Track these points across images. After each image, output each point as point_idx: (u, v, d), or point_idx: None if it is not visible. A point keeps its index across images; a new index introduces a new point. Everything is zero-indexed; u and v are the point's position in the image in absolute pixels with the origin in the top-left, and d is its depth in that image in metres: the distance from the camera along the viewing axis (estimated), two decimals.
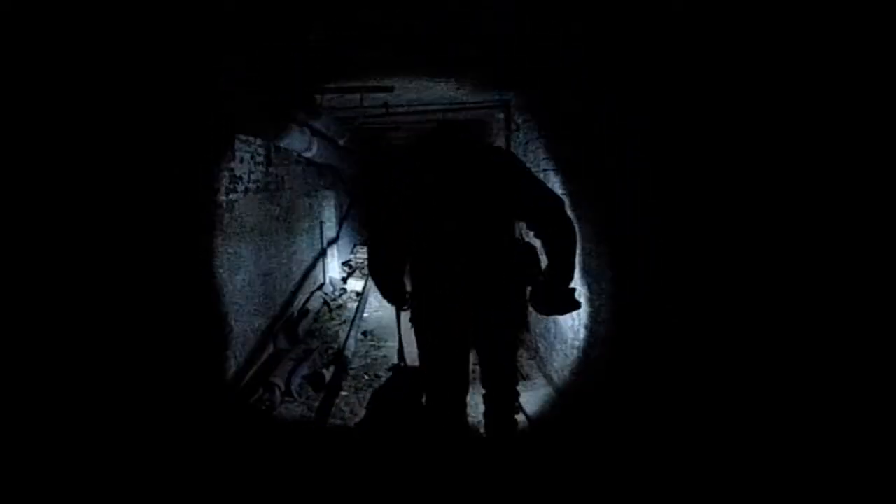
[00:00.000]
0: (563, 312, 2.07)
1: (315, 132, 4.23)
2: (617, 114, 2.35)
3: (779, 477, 1.33)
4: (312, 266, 5.46)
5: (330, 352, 4.19)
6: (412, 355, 2.39)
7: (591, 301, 2.73)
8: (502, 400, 2.15)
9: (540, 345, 3.82)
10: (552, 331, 3.44)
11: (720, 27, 1.52)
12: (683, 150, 1.78)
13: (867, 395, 1.09)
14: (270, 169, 4.01)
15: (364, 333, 4.63)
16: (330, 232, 6.27)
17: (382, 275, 2.15)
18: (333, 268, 6.37)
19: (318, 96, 3.58)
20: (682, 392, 1.86)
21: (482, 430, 2.30)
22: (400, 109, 3.97)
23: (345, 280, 6.34)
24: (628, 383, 2.33)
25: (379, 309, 5.57)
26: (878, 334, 1.05)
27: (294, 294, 4.62)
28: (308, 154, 4.39)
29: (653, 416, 2.05)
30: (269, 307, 3.90)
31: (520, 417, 2.54)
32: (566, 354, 3.16)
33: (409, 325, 2.12)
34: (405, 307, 2.19)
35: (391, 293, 2.18)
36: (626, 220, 2.33)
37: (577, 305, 1.97)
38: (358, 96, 3.52)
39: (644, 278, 2.17)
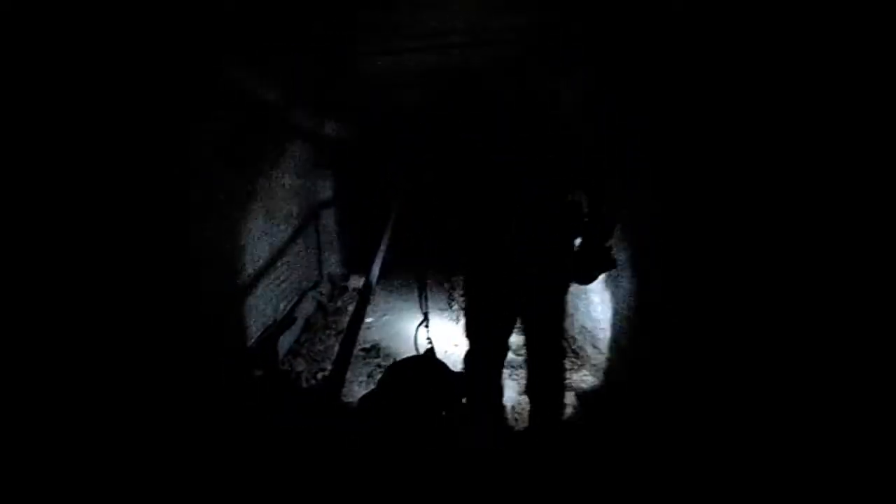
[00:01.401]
0: (601, 272, 1.98)
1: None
2: (617, 114, 2.29)
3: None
4: (301, 260, 4.41)
5: (320, 375, 3.16)
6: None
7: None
8: (545, 367, 2.06)
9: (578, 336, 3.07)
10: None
11: (720, 27, 1.47)
12: (683, 150, 1.73)
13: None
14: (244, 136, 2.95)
15: (366, 349, 3.55)
16: (328, 219, 5.20)
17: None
18: (332, 262, 5.31)
19: None
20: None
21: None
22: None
23: (346, 276, 5.29)
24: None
25: (387, 312, 4.52)
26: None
27: (275, 300, 3.58)
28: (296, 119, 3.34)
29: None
30: (234, 325, 2.85)
31: (569, 400, 2.36)
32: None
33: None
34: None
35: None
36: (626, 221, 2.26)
37: (613, 263, 1.94)
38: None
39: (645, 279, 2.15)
